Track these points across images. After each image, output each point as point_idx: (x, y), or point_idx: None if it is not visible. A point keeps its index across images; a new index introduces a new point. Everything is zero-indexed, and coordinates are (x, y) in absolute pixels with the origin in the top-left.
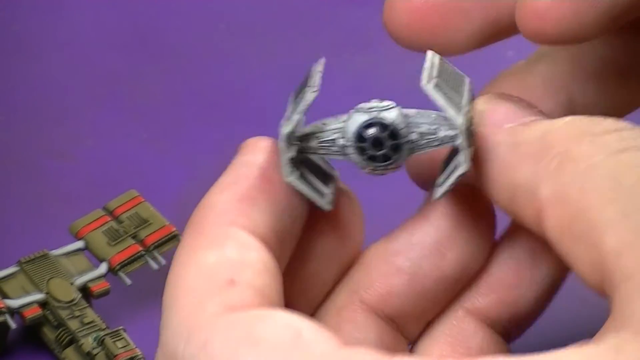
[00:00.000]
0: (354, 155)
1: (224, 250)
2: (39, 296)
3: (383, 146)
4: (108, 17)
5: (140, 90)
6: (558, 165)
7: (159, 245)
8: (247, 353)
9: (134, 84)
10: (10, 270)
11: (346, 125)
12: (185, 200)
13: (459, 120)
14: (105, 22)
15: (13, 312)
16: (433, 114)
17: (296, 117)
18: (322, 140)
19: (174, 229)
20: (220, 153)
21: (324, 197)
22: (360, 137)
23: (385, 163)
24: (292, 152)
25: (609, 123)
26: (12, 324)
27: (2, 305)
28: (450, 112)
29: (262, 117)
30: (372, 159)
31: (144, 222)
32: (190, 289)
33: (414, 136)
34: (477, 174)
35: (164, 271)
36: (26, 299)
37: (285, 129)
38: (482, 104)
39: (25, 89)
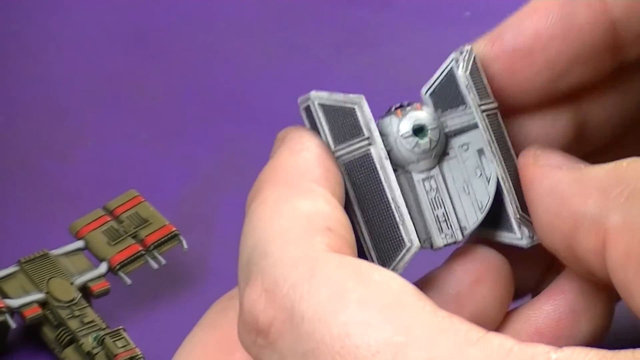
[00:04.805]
0: (404, 150)
1: (316, 202)
2: (39, 296)
3: (424, 131)
4: (108, 17)
5: (140, 90)
6: (629, 196)
7: (159, 245)
8: (357, 288)
9: (134, 84)
10: (10, 270)
11: (397, 128)
12: (185, 200)
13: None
14: (105, 22)
15: (13, 311)
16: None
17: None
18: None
19: (174, 228)
20: (220, 153)
21: None
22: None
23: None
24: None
25: None
26: (12, 324)
27: (2, 305)
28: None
29: (262, 117)
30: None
31: (143, 222)
32: (291, 227)
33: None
34: (532, 212)
35: (164, 271)
36: (26, 299)
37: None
38: (537, 149)
39: (25, 89)
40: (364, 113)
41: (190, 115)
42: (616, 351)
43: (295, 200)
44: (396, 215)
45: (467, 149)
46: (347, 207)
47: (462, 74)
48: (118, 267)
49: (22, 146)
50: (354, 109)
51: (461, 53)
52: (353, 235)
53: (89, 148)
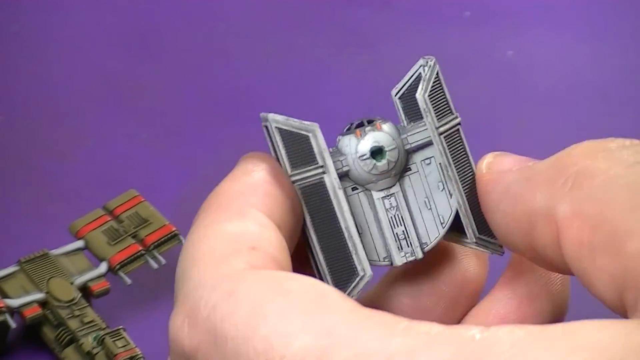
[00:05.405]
0: (361, 172)
1: (245, 223)
2: (39, 295)
3: (383, 153)
4: (108, 17)
5: (140, 90)
6: (574, 183)
7: (159, 244)
8: (275, 300)
9: (134, 84)
10: (10, 269)
11: (355, 149)
12: (185, 200)
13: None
14: (105, 22)
15: (13, 311)
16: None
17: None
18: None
19: (174, 228)
20: (220, 153)
21: None
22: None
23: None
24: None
25: (622, 140)
26: (12, 324)
27: (2, 305)
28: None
29: None
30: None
31: (143, 222)
32: (213, 250)
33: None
34: (490, 218)
35: (164, 271)
36: (26, 299)
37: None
38: (490, 157)
39: (25, 89)
40: (318, 142)
41: (190, 115)
42: (545, 325)
43: (222, 224)
44: (349, 245)
45: (430, 162)
46: (304, 232)
47: (420, 97)
48: (118, 267)
49: (22, 146)
50: (308, 136)
51: (425, 65)
52: (286, 254)
53: (89, 148)
